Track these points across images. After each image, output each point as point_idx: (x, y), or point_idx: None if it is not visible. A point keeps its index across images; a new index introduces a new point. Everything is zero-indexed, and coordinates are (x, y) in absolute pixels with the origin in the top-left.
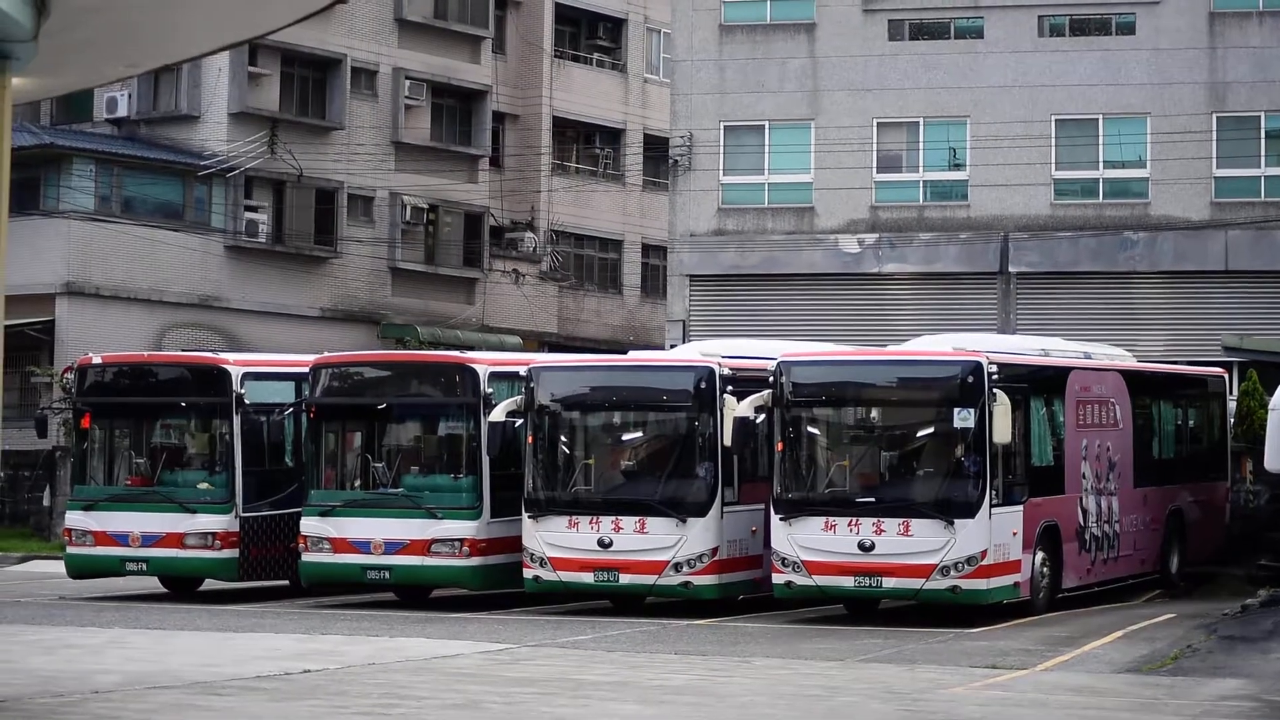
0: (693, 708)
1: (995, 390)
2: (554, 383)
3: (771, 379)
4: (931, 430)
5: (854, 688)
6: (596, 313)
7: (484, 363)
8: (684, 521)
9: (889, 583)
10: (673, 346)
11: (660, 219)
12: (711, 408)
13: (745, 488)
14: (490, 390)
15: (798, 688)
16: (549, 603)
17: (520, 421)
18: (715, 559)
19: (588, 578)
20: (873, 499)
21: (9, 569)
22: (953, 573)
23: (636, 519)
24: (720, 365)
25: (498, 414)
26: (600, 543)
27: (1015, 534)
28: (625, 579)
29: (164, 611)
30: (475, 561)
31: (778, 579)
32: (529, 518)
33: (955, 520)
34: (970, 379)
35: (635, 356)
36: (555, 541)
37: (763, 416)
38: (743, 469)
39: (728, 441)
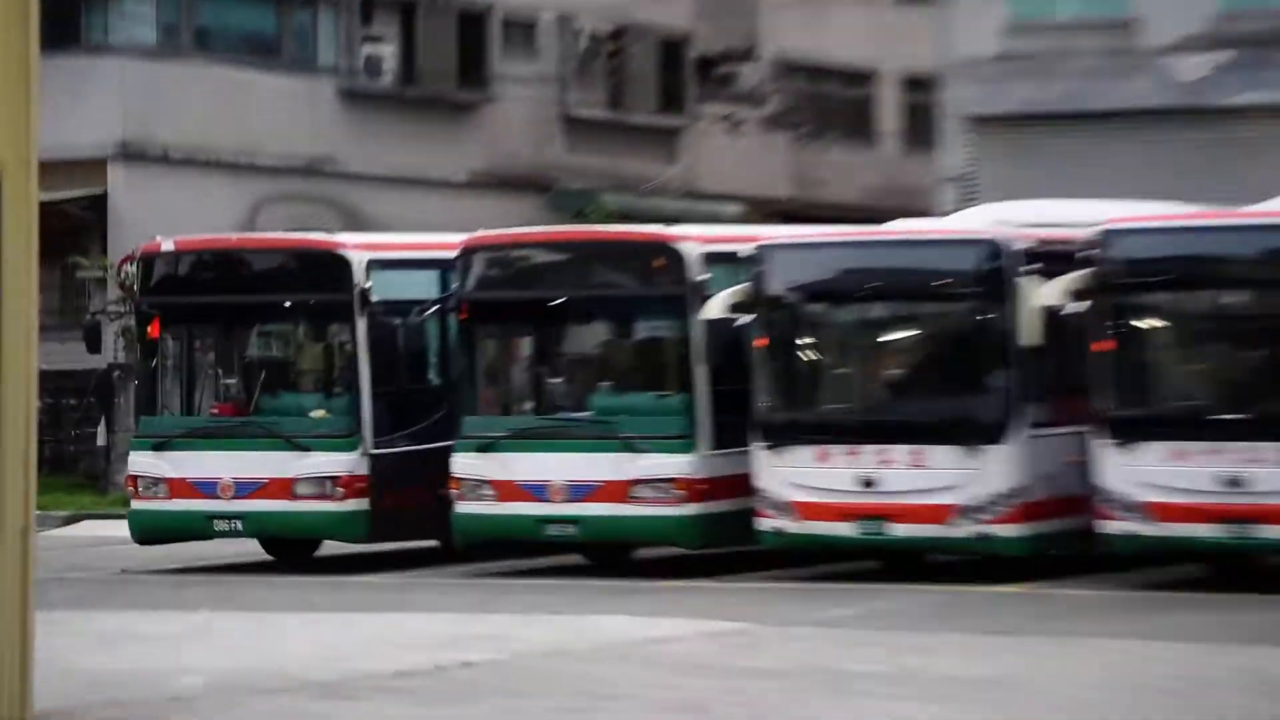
0: (999, 708)
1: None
2: (790, 265)
3: (1091, 254)
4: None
5: (1225, 678)
6: (843, 170)
7: (694, 240)
8: (975, 450)
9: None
10: (951, 213)
11: (925, 42)
12: (1008, 295)
13: (1056, 403)
14: (704, 277)
15: (1146, 677)
16: (791, 564)
17: (746, 319)
18: (1020, 501)
19: (846, 529)
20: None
21: (52, 534)
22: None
23: (910, 449)
24: (1017, 237)
25: (715, 309)
26: (862, 481)
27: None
28: (897, 530)
29: (267, 586)
30: (691, 510)
31: (1114, 528)
32: (763, 449)
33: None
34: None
35: (900, 228)
36: (801, 480)
37: (1077, 305)
38: (1053, 377)
39: (1032, 340)
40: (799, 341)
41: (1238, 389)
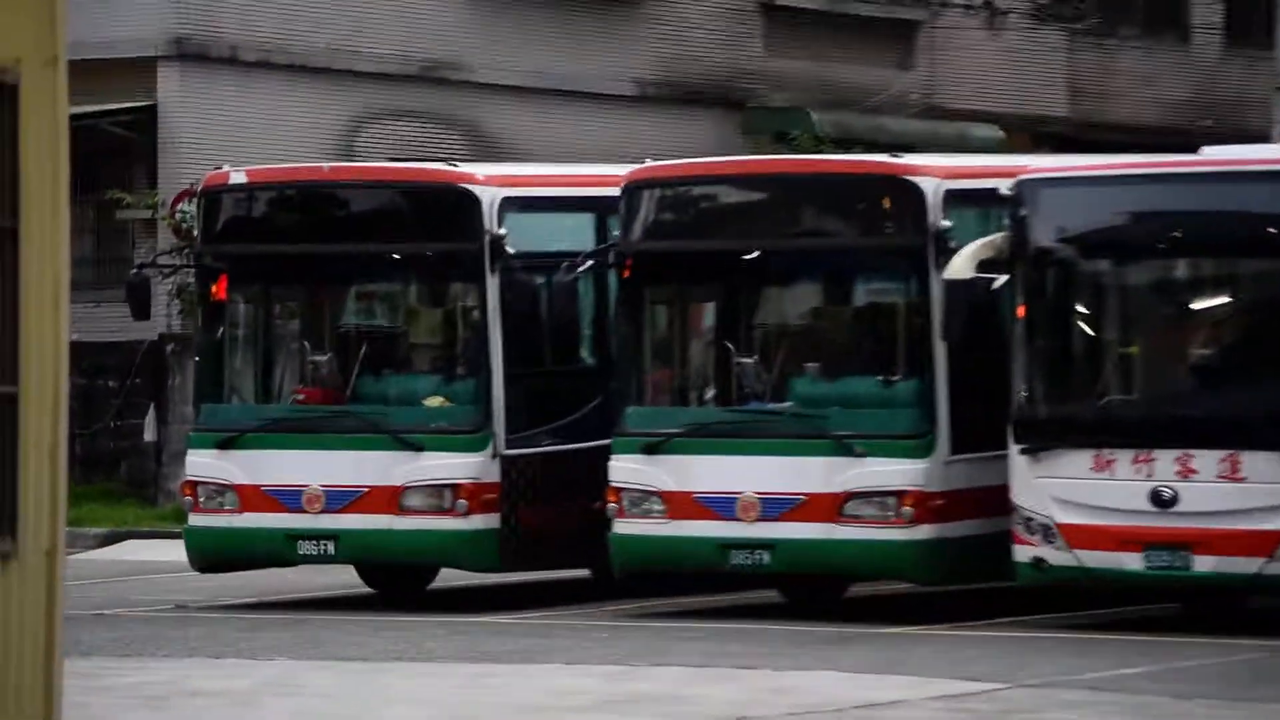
0: None
1: None
2: (1065, 207)
3: None
4: None
5: None
6: (1141, 79)
7: (935, 174)
8: None
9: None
10: None
11: None
12: None
13: None
14: (947, 224)
15: None
16: (1056, 606)
17: (1002, 280)
18: None
19: (1132, 561)
20: None
21: (87, 557)
22: None
23: (1223, 455)
24: None
25: (961, 266)
26: (1155, 497)
27: None
28: (1203, 564)
29: (366, 628)
30: (924, 533)
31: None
32: (1022, 454)
33: None
34: None
35: (1215, 156)
36: (1069, 496)
37: None
38: None
39: None
40: (1074, 310)
41: None
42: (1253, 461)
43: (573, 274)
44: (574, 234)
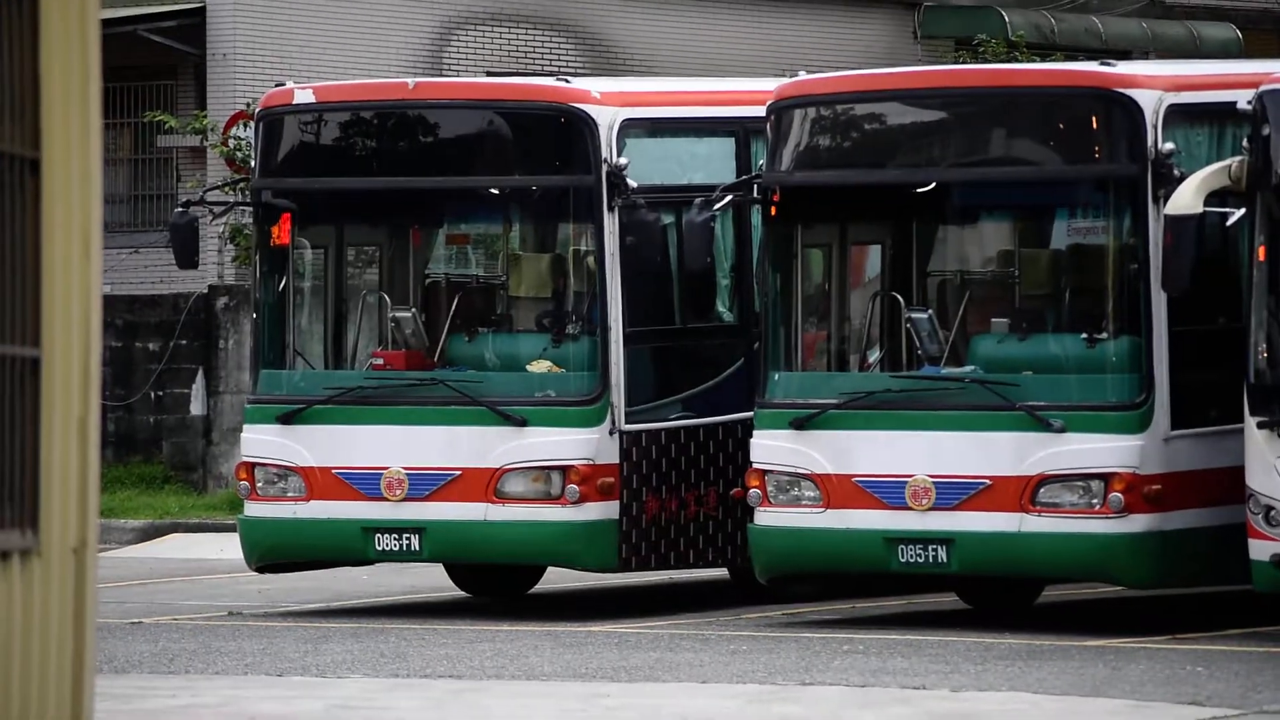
0: None
1: None
2: None
3: None
4: None
5: None
6: None
7: (1153, 85)
8: None
9: None
10: None
11: None
12: None
13: None
14: (1168, 147)
15: None
16: (1263, 616)
17: (1237, 215)
18: None
19: None
20: None
21: (124, 554)
22: None
23: None
24: None
25: (1187, 198)
26: None
27: None
28: None
29: (456, 639)
30: (1138, 524)
31: (1259, 551)
32: (1260, 427)
33: None
34: None
35: None
36: None
37: None
38: None
39: None
40: None
41: None
42: None
43: (708, 212)
44: (710, 164)
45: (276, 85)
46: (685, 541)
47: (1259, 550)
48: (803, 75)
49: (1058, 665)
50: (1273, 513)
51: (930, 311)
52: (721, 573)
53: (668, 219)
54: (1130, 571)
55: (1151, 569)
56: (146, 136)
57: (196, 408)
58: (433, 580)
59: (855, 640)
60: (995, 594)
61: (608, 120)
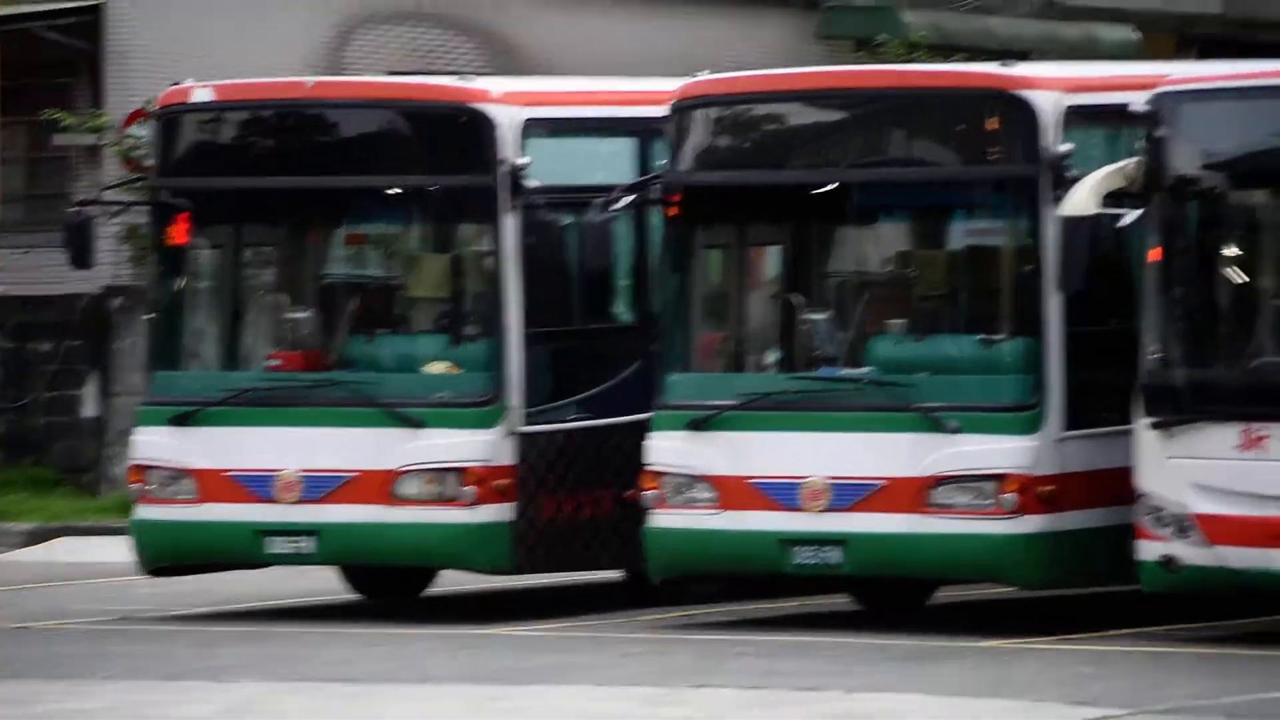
0: None
1: None
2: (1214, 126)
3: None
4: None
5: None
6: None
7: (1051, 86)
8: None
9: None
10: None
11: None
12: None
13: None
14: (1064, 148)
15: None
16: (1190, 615)
17: (1132, 215)
18: None
19: None
20: None
21: (11, 557)
22: None
23: None
24: None
25: (1081, 199)
26: None
27: None
28: None
29: (350, 642)
30: (1030, 525)
31: (1147, 551)
32: (1152, 428)
33: None
34: None
35: None
36: (1210, 480)
37: None
38: None
39: None
40: (1222, 252)
41: None
42: None
43: (608, 212)
44: (610, 163)
45: (174, 84)
46: (581, 543)
47: (1147, 551)
48: (704, 75)
49: (950, 666)
50: (1162, 513)
51: (828, 313)
52: (617, 575)
53: (568, 219)
54: (1022, 572)
55: (1043, 569)
56: (42, 135)
57: (89, 410)
58: (327, 583)
59: (749, 642)
60: (889, 595)
61: (508, 120)
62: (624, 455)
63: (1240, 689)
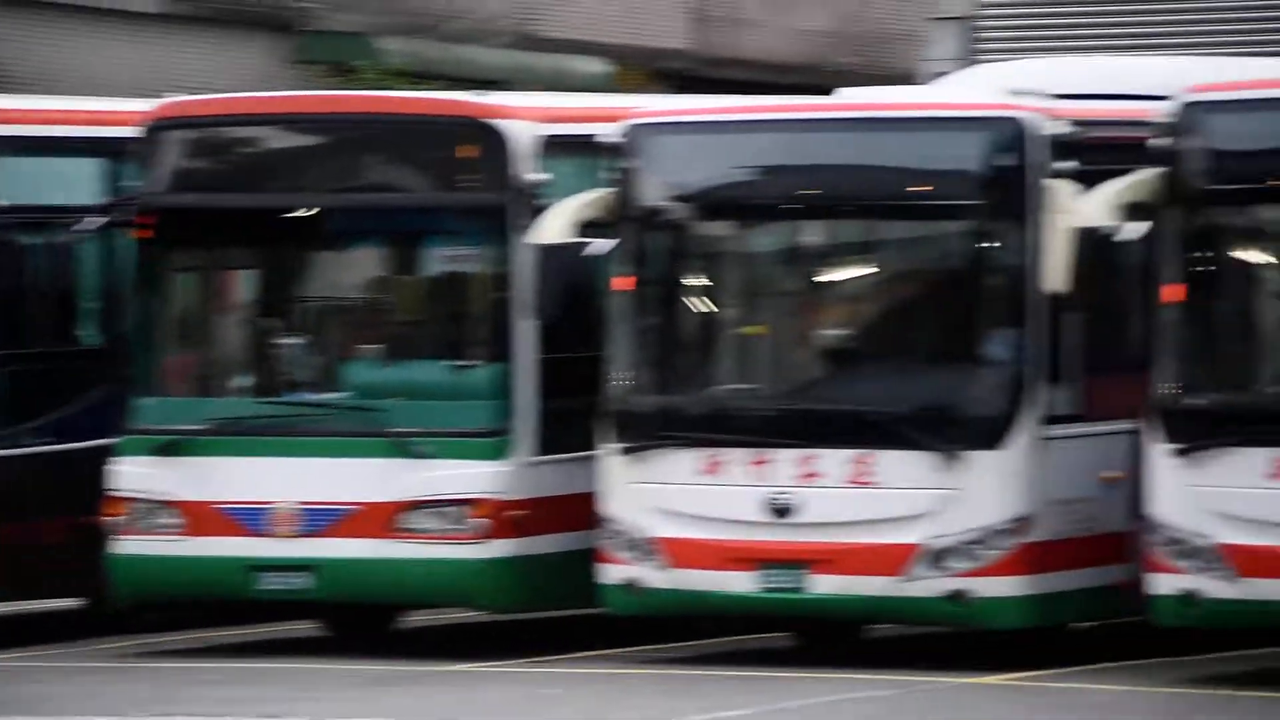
0: None
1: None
2: (680, 158)
3: (1159, 141)
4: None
5: None
6: (775, 7)
7: (523, 116)
8: (955, 458)
9: None
10: (941, 77)
11: None
12: (1023, 207)
13: (1093, 385)
14: (537, 177)
15: None
16: (655, 636)
17: (603, 245)
18: (1023, 540)
19: (743, 582)
20: None
21: None
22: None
23: (852, 456)
24: (1041, 115)
25: (554, 228)
26: (773, 506)
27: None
28: (823, 585)
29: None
30: (496, 550)
31: (1164, 585)
32: (617, 454)
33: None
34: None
35: (857, 99)
36: (672, 505)
37: (1140, 227)
38: (1087, 344)
39: (1058, 283)
40: (686, 282)
41: None
42: (886, 464)
43: (79, 233)
44: (75, 184)
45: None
46: (41, 570)
47: (611, 574)
48: (177, 97)
49: (414, 690)
50: (624, 537)
51: (303, 337)
52: (79, 602)
53: (30, 239)
54: (492, 596)
55: (513, 593)
56: None
57: None
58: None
59: (212, 670)
60: (357, 619)
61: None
62: (89, 480)
63: (699, 708)
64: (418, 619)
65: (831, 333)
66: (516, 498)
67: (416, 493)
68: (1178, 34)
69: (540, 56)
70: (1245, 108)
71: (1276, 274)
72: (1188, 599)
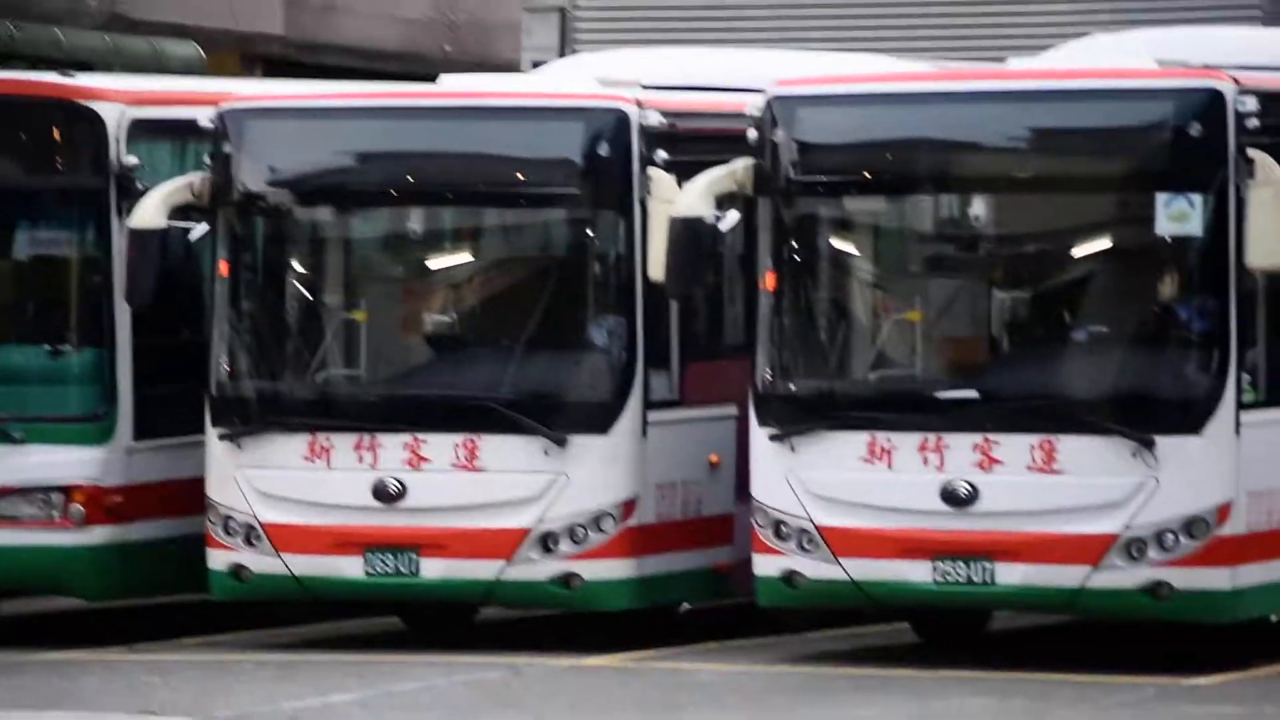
0: None
1: (1254, 153)
2: (275, 143)
3: (751, 133)
4: (1105, 239)
5: None
6: None
7: (115, 99)
8: (560, 445)
9: (1010, 573)
10: (538, 66)
11: None
12: (623, 196)
13: (695, 371)
14: (131, 161)
15: None
16: (262, 621)
17: (200, 229)
18: (629, 523)
19: (350, 567)
20: (975, 393)
21: None
22: (1154, 552)
23: (459, 439)
24: (640, 105)
25: (149, 212)
26: (380, 491)
27: None
28: (435, 569)
29: None
30: (96, 536)
31: (766, 566)
32: (221, 439)
33: (1160, 438)
34: (1195, 125)
35: (455, 88)
36: (278, 490)
37: (733, 216)
38: (689, 332)
39: (657, 272)
40: (285, 268)
41: (975, 355)
42: (493, 448)
43: None
44: None
45: None
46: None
47: (218, 559)
48: None
49: (9, 681)
50: (231, 522)
51: None
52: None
53: None
54: (91, 583)
55: (112, 580)
56: None
57: None
58: None
59: None
60: None
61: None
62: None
63: (306, 693)
64: (13, 607)
65: (438, 319)
66: (115, 484)
67: (12, 479)
68: (771, 28)
69: (132, 39)
70: (829, 102)
71: (865, 263)
72: (789, 579)
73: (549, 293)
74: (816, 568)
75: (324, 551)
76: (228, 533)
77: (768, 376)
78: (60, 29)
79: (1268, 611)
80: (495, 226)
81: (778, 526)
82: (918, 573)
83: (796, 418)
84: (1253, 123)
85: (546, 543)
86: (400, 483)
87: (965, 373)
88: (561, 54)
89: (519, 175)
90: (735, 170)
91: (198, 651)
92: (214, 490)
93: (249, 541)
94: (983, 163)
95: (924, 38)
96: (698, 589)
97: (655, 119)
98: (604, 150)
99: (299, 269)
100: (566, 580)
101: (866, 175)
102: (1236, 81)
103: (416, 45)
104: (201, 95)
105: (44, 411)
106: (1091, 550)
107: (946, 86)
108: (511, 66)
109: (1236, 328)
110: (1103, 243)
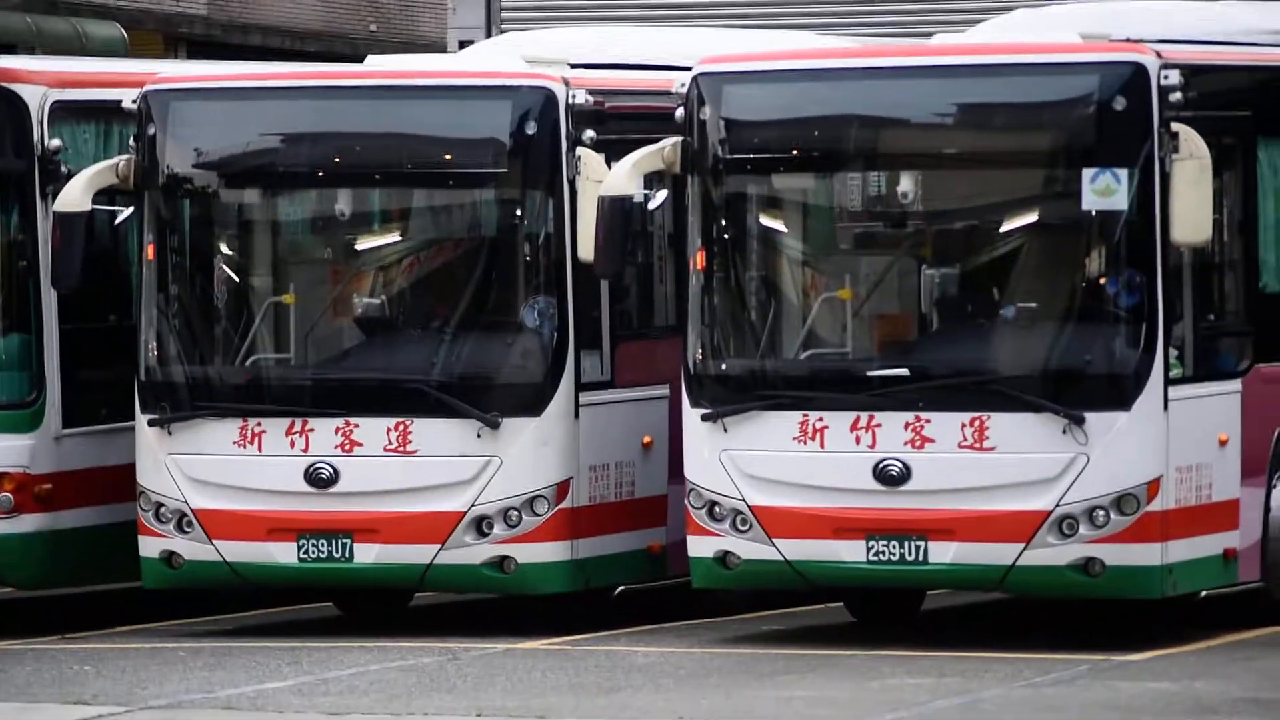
0: None
1: (1178, 127)
2: (200, 124)
3: (679, 111)
4: (1032, 214)
5: None
6: None
7: (39, 80)
8: (493, 427)
9: (942, 551)
10: (465, 45)
11: None
12: (552, 176)
13: (627, 352)
14: (53, 143)
15: None
16: (195, 609)
17: (126, 212)
18: (563, 506)
19: (284, 553)
20: (906, 371)
21: None
22: (1085, 529)
23: (390, 423)
24: (568, 84)
25: (74, 196)
26: (313, 476)
27: (1224, 442)
28: (369, 554)
29: None
30: (26, 525)
31: (701, 547)
32: (151, 425)
33: (1090, 414)
34: (1119, 99)
35: (380, 67)
36: (210, 476)
37: (661, 195)
38: (620, 312)
39: (587, 252)
40: (217, 250)
41: (904, 333)
42: (425, 432)
43: None
44: None
45: None
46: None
47: (150, 547)
48: None
49: None
50: (162, 509)
51: None
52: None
53: None
54: (20, 572)
55: (42, 569)
56: None
57: None
58: None
59: None
60: None
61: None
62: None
63: (237, 681)
64: None
65: (368, 301)
66: (44, 471)
67: None
68: (698, 6)
69: (53, 19)
70: (755, 79)
71: (794, 241)
72: (723, 560)
73: (479, 274)
74: (750, 548)
75: (257, 538)
76: (159, 520)
77: (699, 356)
78: None
79: (1197, 587)
80: (424, 207)
81: (711, 507)
82: (851, 552)
83: (728, 398)
84: (1176, 96)
85: (480, 526)
86: (333, 467)
87: (896, 350)
88: (488, 33)
89: (447, 155)
90: (663, 149)
91: (130, 639)
92: (145, 477)
93: (181, 528)
94: (909, 138)
95: (851, 14)
96: (633, 571)
97: (583, 98)
98: (532, 129)
99: (227, 252)
100: (501, 564)
101: (793, 152)
102: (1160, 55)
103: (341, 26)
104: (125, 76)
105: None
106: (1023, 528)
107: (872, 62)
108: (438, 46)
109: (1164, 303)
110: (1030, 218)
